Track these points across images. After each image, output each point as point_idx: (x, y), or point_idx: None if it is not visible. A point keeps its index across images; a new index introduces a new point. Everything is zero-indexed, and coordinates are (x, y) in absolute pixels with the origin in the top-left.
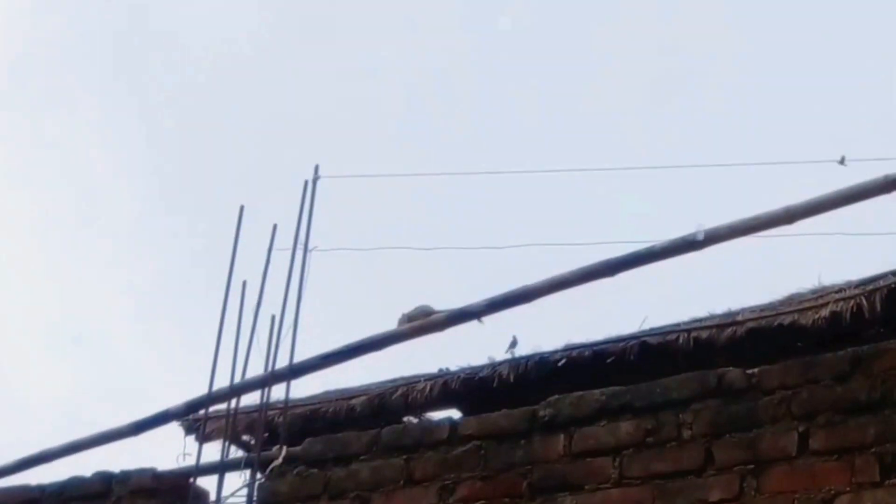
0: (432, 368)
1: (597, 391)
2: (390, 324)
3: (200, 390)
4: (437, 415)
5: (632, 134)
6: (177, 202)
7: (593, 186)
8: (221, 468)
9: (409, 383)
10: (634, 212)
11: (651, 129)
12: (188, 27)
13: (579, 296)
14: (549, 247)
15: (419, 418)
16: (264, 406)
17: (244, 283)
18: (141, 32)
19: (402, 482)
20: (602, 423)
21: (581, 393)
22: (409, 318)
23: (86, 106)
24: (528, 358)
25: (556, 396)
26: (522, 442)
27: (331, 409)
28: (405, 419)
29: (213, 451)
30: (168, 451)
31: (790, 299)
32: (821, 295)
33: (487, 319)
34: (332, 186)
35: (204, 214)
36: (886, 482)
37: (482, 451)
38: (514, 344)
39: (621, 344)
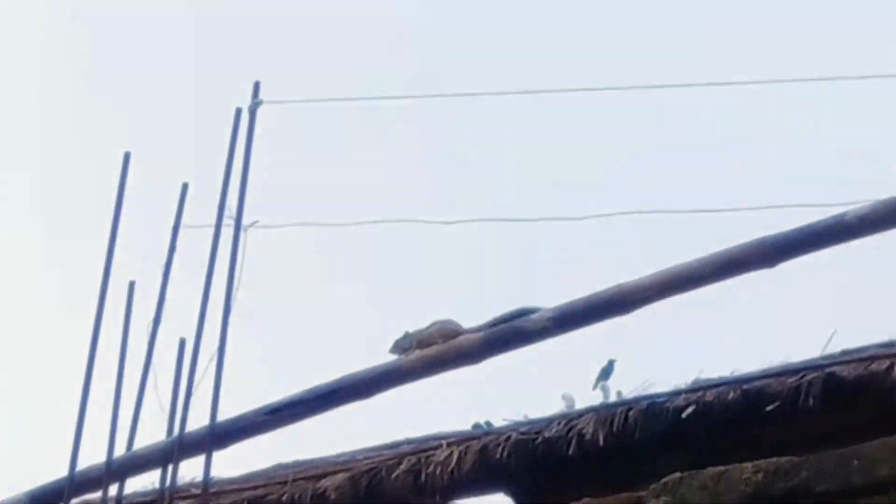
0: (459, 426)
1: (748, 465)
2: (381, 354)
3: (57, 470)
4: None
5: None
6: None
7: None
8: None
9: (422, 450)
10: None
11: None
12: None
13: (715, 299)
14: (658, 216)
15: None
16: (167, 491)
17: (131, 286)
18: None
19: None
20: None
21: (722, 469)
22: (417, 341)
23: None
24: (629, 403)
25: (678, 475)
26: None
27: (284, 496)
28: None
29: None
30: None
31: None
32: None
33: (562, 340)
34: (275, 121)
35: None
36: None
37: None
38: (607, 374)
39: (791, 379)
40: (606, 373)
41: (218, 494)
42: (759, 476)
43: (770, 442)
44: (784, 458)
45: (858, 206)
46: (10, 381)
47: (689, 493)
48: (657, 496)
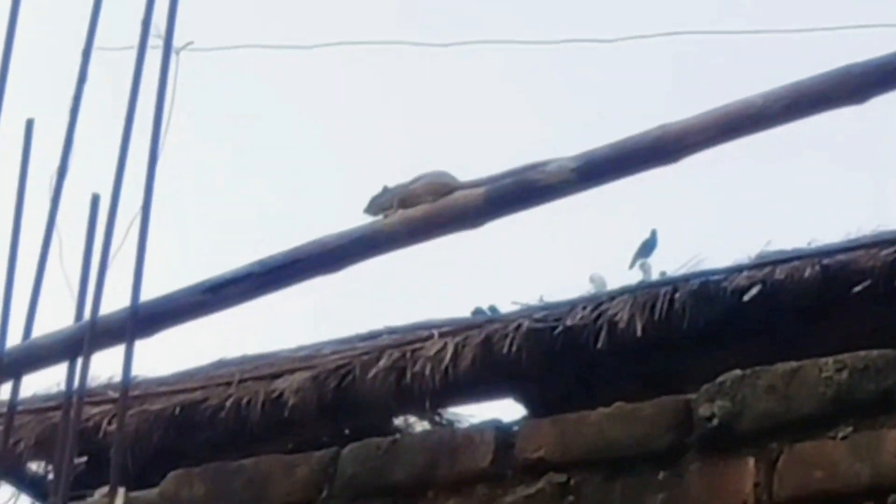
0: (455, 313)
1: (828, 361)
2: (354, 216)
3: None
4: (470, 413)
5: None
6: None
7: None
8: None
9: (407, 342)
10: None
11: None
12: None
13: (786, 147)
14: (713, 39)
15: (430, 420)
16: (76, 393)
17: (29, 125)
18: None
19: None
20: (842, 433)
21: (795, 365)
22: (400, 198)
23: None
24: (675, 283)
25: (738, 373)
26: (662, 475)
27: (228, 401)
28: (398, 422)
29: None
30: None
31: None
32: None
33: (588, 200)
34: None
35: None
36: None
37: (571, 497)
38: (648, 248)
39: (885, 251)
40: (648, 247)
41: (141, 398)
42: (843, 374)
43: (857, 331)
44: (875, 352)
45: None
46: None
47: (753, 396)
48: (711, 400)
